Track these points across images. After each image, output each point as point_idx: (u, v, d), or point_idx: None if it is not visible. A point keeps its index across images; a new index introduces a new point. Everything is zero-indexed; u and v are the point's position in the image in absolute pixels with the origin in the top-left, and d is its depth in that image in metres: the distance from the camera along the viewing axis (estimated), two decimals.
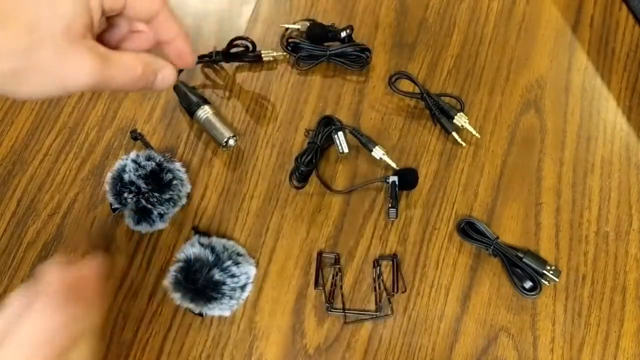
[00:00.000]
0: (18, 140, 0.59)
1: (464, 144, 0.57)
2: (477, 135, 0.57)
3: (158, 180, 0.53)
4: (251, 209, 0.56)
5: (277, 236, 0.55)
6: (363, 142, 0.56)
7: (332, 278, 0.53)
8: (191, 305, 0.50)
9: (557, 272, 0.52)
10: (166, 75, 0.39)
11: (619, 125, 0.58)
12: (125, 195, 0.52)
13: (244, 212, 0.56)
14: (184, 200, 0.55)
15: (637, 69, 0.61)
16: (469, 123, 0.56)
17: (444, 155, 0.58)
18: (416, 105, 0.60)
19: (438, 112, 0.57)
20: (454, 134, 0.56)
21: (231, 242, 0.53)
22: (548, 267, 0.51)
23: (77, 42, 0.33)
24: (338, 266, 0.53)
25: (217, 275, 0.50)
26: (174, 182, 0.53)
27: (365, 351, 0.51)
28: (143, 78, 0.38)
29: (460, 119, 0.56)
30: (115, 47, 0.37)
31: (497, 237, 0.53)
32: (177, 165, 0.55)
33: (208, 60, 0.61)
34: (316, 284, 0.53)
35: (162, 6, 0.36)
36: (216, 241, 0.53)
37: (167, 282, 0.51)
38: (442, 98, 0.58)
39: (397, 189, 0.55)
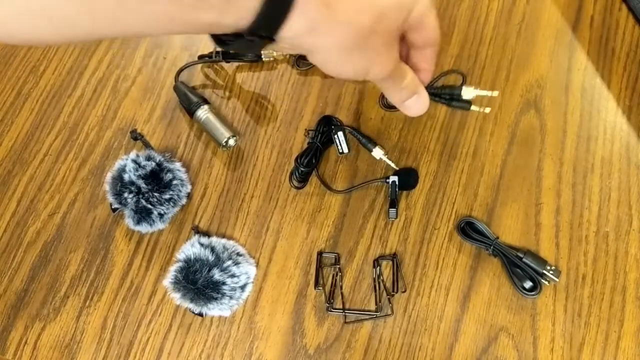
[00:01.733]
0: (18, 140, 0.59)
1: (487, 110, 0.54)
2: (494, 94, 0.54)
3: (158, 180, 0.53)
4: (251, 209, 0.56)
5: (277, 236, 0.55)
6: (363, 142, 0.56)
7: (332, 278, 0.53)
8: (191, 305, 0.50)
9: (557, 272, 0.52)
10: (420, 101, 0.42)
11: (619, 125, 0.58)
12: (125, 195, 0.52)
13: (244, 212, 0.56)
14: (184, 200, 0.55)
15: (637, 69, 0.61)
16: (480, 88, 0.53)
17: (444, 155, 0.58)
18: None
19: (446, 97, 0.54)
20: (473, 107, 0.53)
21: (231, 242, 0.54)
22: (548, 267, 0.51)
23: (395, 42, 0.37)
24: (338, 266, 0.53)
25: (217, 275, 0.50)
26: (174, 182, 0.54)
27: (365, 351, 0.51)
28: (402, 91, 0.41)
29: (469, 91, 0.53)
30: None
31: (497, 237, 0.53)
32: (177, 165, 0.55)
33: (208, 60, 0.61)
34: (316, 284, 0.53)
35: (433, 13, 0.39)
36: (216, 241, 0.53)
37: (167, 282, 0.51)
38: (442, 79, 0.57)
39: (397, 189, 0.55)
